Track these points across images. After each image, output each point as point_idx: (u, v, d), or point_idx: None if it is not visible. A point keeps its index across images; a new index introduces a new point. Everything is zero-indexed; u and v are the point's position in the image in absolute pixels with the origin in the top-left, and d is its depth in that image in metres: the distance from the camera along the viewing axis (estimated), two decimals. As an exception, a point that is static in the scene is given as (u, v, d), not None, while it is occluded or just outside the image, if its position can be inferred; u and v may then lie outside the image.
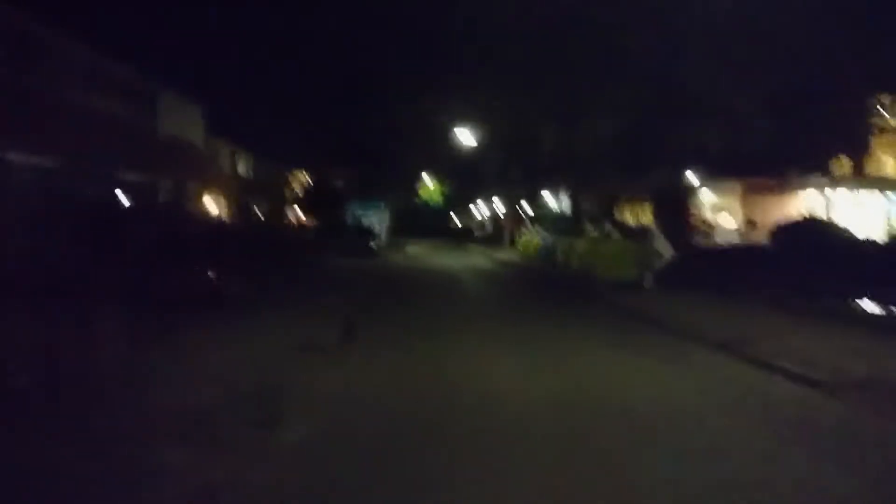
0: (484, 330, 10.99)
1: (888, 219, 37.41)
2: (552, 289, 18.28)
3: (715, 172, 32.29)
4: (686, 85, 22.75)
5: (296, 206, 56.92)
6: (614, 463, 4.81)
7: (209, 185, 30.59)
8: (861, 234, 31.37)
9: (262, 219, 40.37)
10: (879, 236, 33.23)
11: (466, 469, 4.69)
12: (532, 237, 29.23)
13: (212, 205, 31.48)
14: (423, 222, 66.87)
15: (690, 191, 26.20)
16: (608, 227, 20.05)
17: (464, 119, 35.01)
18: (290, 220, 49.41)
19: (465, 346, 9.45)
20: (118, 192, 18.72)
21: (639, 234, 20.11)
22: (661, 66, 23.37)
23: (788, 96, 25.29)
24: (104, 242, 13.19)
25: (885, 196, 38.01)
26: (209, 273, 15.95)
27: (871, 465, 4.82)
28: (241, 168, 40.53)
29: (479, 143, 37.25)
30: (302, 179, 58.71)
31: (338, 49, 38.39)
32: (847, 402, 6.39)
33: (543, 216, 42.84)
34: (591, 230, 20.79)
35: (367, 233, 32.48)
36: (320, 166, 55.56)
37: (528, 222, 33.62)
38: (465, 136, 35.97)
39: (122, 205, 18.55)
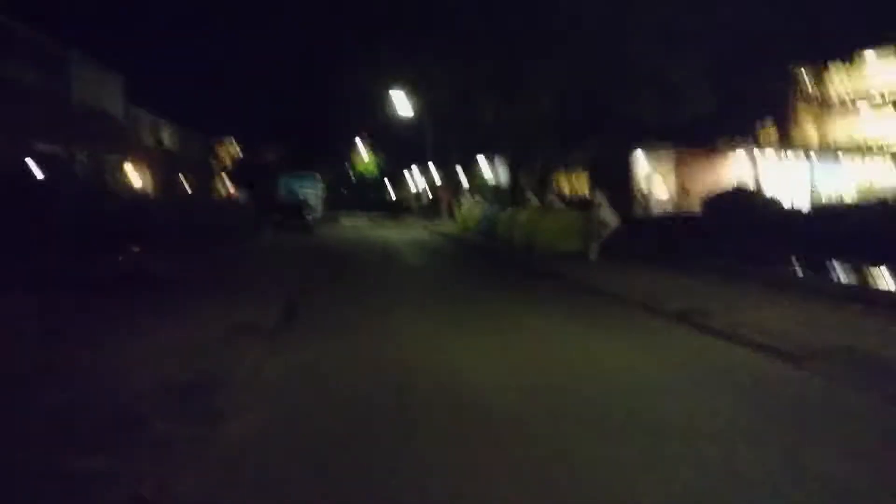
0: (431, 307, 10.48)
1: (812, 185, 38.80)
2: (497, 261, 17.90)
3: (649, 141, 32.56)
4: (624, 54, 22.52)
5: (225, 179, 54.89)
6: (590, 451, 4.37)
7: (131, 156, 28.85)
8: (786, 202, 32.47)
9: (189, 192, 38.63)
10: (804, 203, 34.46)
11: (425, 462, 4.19)
12: (471, 208, 28.81)
13: (134, 178, 29.74)
14: (358, 195, 65.81)
15: (628, 159, 26.21)
16: (551, 197, 19.77)
17: (400, 86, 34.17)
18: (219, 194, 47.59)
19: (413, 326, 8.90)
20: (29, 161, 17.28)
21: (582, 204, 19.94)
22: (600, 36, 23.08)
23: (719, 66, 25.44)
24: (13, 218, 12.04)
25: (809, 163, 39.41)
26: (133, 251, 14.89)
27: (862, 443, 4.55)
28: (166, 139, 38.56)
29: (415, 112, 36.50)
30: (232, 151, 56.64)
31: (268, 15, 36.64)
32: (819, 373, 6.16)
33: (482, 187, 42.51)
34: (533, 201, 20.47)
35: (302, 206, 31.39)
36: (251, 137, 53.69)
37: (466, 193, 33.18)
38: (402, 103, 35.12)
39: (35, 177, 17.13)
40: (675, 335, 8.13)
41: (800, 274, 13.75)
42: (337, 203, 55.87)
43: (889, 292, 11.65)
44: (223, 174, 54.38)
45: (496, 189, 41.25)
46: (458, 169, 46.19)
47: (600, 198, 15.80)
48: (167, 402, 5.21)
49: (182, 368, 6.19)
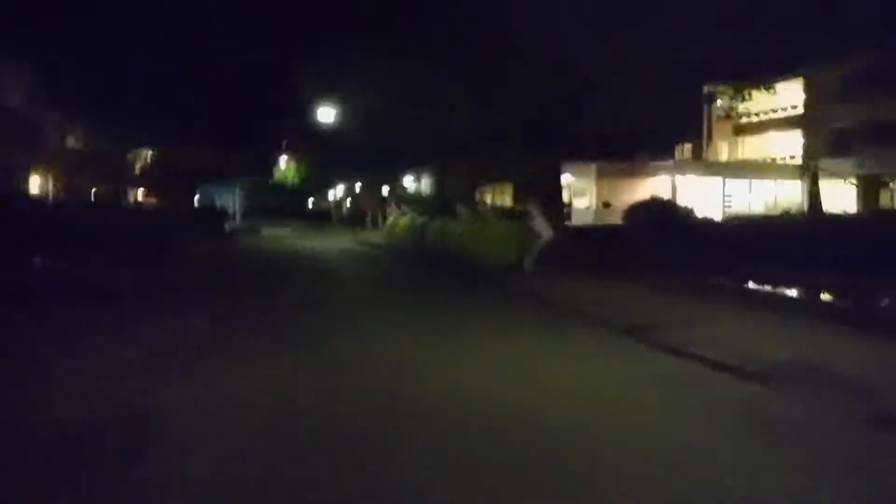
0: (366, 321, 9.82)
1: (724, 198, 40.37)
2: (430, 273, 17.42)
3: (572, 156, 33.02)
4: (554, 67, 22.58)
5: (139, 187, 52.35)
6: (551, 483, 3.94)
7: (32, 158, 26.89)
8: (701, 213, 33.61)
9: (98, 199, 36.47)
10: (717, 215, 35.75)
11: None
12: (399, 218, 28.24)
13: (35, 182, 27.75)
14: (278, 204, 64.04)
15: (557, 172, 26.28)
16: (483, 207, 19.48)
17: (326, 98, 33.39)
18: (132, 202, 45.28)
19: (347, 342, 8.25)
20: None
21: (514, 215, 19.77)
22: (528, 45, 23.10)
23: (642, 83, 25.91)
24: None
25: (722, 178, 41.01)
26: (35, 262, 13.65)
27: (853, 472, 4.30)
28: (73, 142, 36.33)
29: (341, 123, 35.76)
30: (147, 157, 54.15)
31: (192, 15, 34.88)
32: (784, 392, 5.95)
33: (409, 197, 42.07)
34: (463, 211, 20.14)
35: (221, 215, 30.05)
36: (169, 144, 51.42)
37: (394, 203, 32.60)
38: (326, 110, 34.31)
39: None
40: (623, 349, 7.85)
41: (734, 284, 13.91)
42: (257, 212, 54.17)
43: (831, 303, 11.88)
44: (138, 183, 51.87)
45: (424, 199, 40.92)
46: (383, 179, 45.69)
47: (534, 209, 15.61)
48: (74, 442, 4.46)
49: (92, 398, 5.41)
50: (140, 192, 51.56)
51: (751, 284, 13.78)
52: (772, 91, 36.72)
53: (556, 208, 18.73)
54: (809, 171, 37.57)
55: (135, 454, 4.29)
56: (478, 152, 32.48)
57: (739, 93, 38.59)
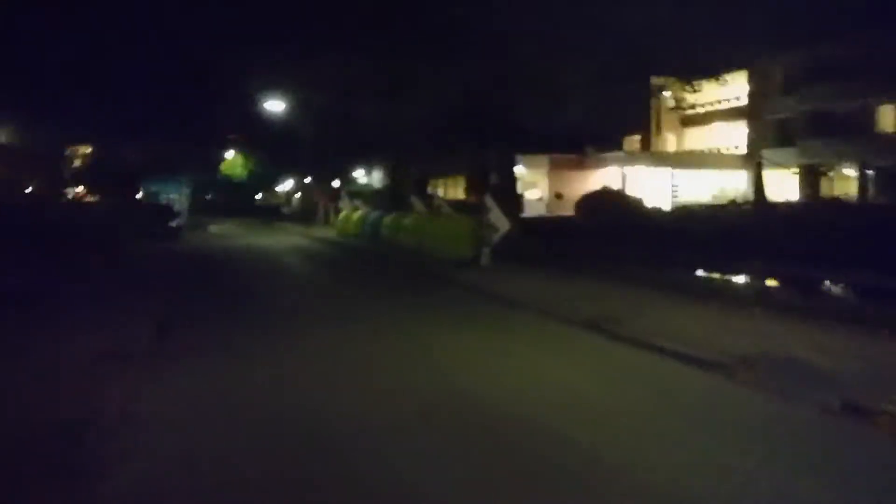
0: (321, 321, 9.44)
1: (673, 189, 41.06)
2: (385, 268, 17.11)
3: (524, 148, 33.04)
4: (507, 60, 22.49)
5: (78, 185, 50.45)
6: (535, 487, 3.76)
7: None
8: (650, 203, 34.12)
9: (34, 197, 34.94)
10: (665, 205, 36.36)
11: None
12: (351, 213, 27.85)
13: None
14: (226, 199, 62.68)
15: (511, 164, 26.20)
16: (438, 200, 19.25)
17: (274, 88, 32.55)
18: (69, 199, 43.56)
19: (302, 343, 7.92)
20: None
21: (469, 208, 19.60)
22: (482, 41, 22.92)
23: (590, 76, 26.03)
24: None
25: (670, 169, 41.70)
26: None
27: (830, 464, 4.24)
28: (4, 138, 34.68)
29: (289, 116, 34.98)
30: (85, 152, 52.14)
31: (133, 6, 33.39)
32: (750, 385, 5.91)
33: (361, 192, 41.52)
34: (418, 205, 19.91)
35: (166, 212, 29.05)
36: (109, 139, 49.54)
37: (346, 197, 32.12)
38: (276, 106, 33.49)
39: None
40: (591, 345, 7.74)
41: (687, 275, 14.03)
42: (204, 208, 52.81)
43: (784, 293, 12.04)
44: (76, 180, 49.96)
45: (376, 193, 40.44)
46: (334, 173, 44.96)
47: (490, 202, 15.43)
48: (20, 453, 4.10)
49: (33, 410, 5.01)
50: (79, 189, 49.68)
51: (703, 275, 13.93)
52: (718, 83, 37.48)
53: (510, 200, 18.60)
54: (754, 161, 38.54)
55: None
56: (428, 145, 32.23)
57: (686, 85, 39.37)
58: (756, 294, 10.60)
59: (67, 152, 49.99)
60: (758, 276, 13.86)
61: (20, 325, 8.44)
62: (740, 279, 13.95)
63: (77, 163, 52.00)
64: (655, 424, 4.98)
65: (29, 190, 37.50)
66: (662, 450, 4.44)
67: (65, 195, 44.61)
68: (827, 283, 13.25)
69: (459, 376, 6.40)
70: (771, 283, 13.18)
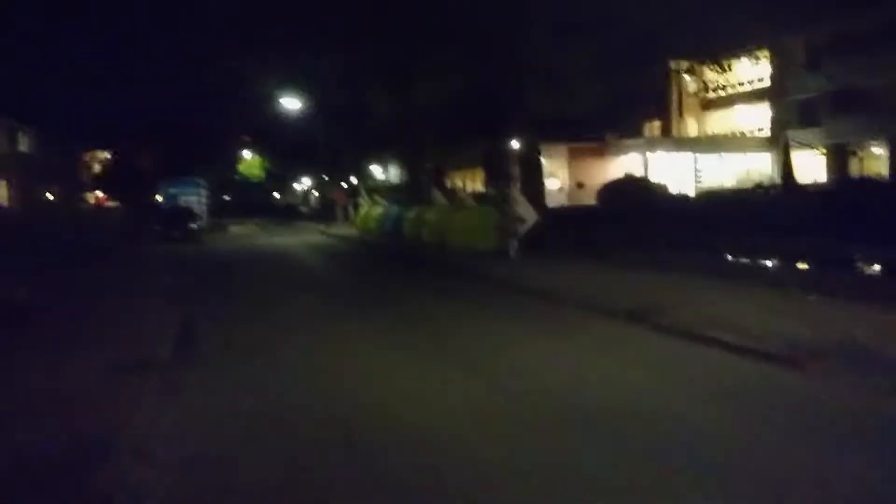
0: (358, 324, 9.00)
1: (696, 174, 40.25)
2: (411, 264, 16.66)
3: (543, 137, 32.46)
4: (520, 48, 22.00)
5: (97, 189, 50.60)
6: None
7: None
8: (674, 189, 33.43)
9: (52, 203, 34.98)
10: (690, 190, 35.63)
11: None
12: (371, 209, 27.49)
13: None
14: (243, 200, 62.72)
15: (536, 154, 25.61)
16: (460, 193, 18.81)
17: (288, 88, 32.29)
18: (90, 205, 43.67)
19: (338, 348, 7.52)
20: None
21: (491, 200, 19.16)
22: (494, 31, 22.45)
23: (607, 62, 25.50)
24: None
25: (692, 154, 40.89)
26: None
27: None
28: (24, 147, 34.72)
29: (305, 114, 34.70)
30: (102, 158, 52.29)
31: (144, 11, 33.28)
32: (826, 379, 5.42)
33: (379, 187, 41.17)
34: (440, 198, 19.48)
35: (187, 214, 28.86)
36: (126, 144, 49.63)
37: (364, 193, 31.77)
38: (291, 104, 33.21)
39: None
40: (640, 339, 7.27)
41: (724, 260, 13.49)
42: (222, 210, 52.86)
43: (829, 276, 11.47)
44: (95, 185, 50.13)
45: (394, 188, 40.02)
46: (351, 169, 44.62)
47: (516, 193, 14.97)
48: (25, 488, 3.74)
49: (48, 432, 4.66)
50: (99, 194, 49.82)
51: (740, 260, 13.37)
52: (739, 63, 36.66)
53: (535, 191, 18.12)
54: (779, 143, 37.64)
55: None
56: (444, 137, 31.81)
57: (707, 66, 38.55)
58: (801, 278, 10.04)
59: (86, 158, 50.12)
60: (795, 258, 13.30)
61: (42, 335, 8.15)
62: (778, 263, 13.37)
63: (96, 168, 52.15)
64: (738, 430, 4.50)
65: (49, 197, 37.57)
66: (758, 462, 3.97)
67: (85, 201, 44.72)
68: (865, 263, 12.65)
69: (511, 380, 5.98)
70: (809, 265, 12.58)
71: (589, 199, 34.04)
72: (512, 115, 24.33)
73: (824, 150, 37.20)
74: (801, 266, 12.70)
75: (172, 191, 35.07)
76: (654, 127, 46.40)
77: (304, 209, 55.07)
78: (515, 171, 22.38)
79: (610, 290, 9.93)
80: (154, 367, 6.41)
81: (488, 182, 41.42)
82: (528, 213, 14.76)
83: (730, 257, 14.13)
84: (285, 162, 56.97)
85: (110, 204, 46.36)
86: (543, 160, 38.02)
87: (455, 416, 4.94)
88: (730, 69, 37.50)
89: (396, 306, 10.24)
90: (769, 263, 13.35)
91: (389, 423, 4.83)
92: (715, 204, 26.96)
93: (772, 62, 39.93)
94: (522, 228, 14.76)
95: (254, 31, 28.81)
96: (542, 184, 20.26)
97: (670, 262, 12.80)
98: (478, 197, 23.01)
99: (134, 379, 5.93)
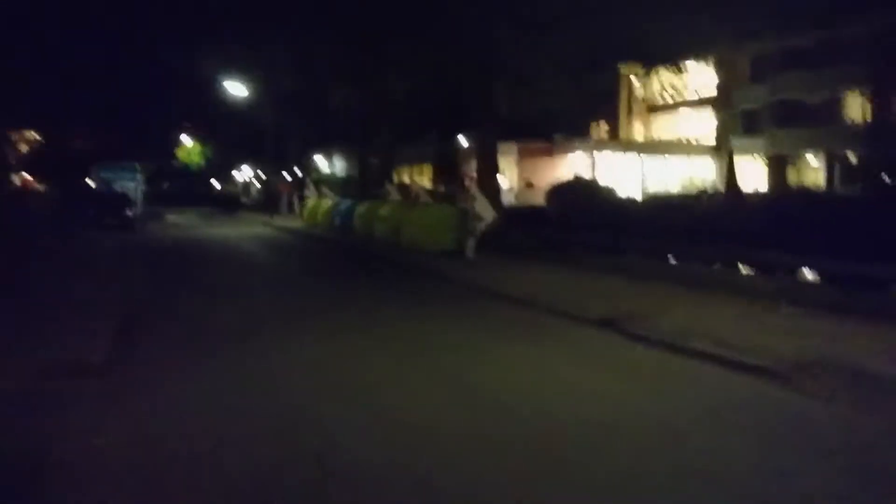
0: (304, 326, 8.32)
1: (642, 179, 40.76)
2: (365, 262, 15.93)
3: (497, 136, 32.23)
4: (475, 48, 21.64)
5: (24, 172, 47.94)
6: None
7: None
8: (621, 193, 33.71)
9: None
10: (636, 194, 36.00)
11: None
12: (319, 202, 26.67)
13: None
14: (182, 188, 60.62)
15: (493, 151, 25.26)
16: (416, 188, 18.28)
17: (235, 73, 31.08)
18: (15, 188, 41.24)
19: (288, 353, 6.81)
20: None
21: (443, 197, 18.74)
22: (451, 28, 21.99)
23: (562, 64, 25.34)
24: None
25: (639, 158, 41.41)
26: None
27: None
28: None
29: (252, 101, 33.52)
30: (30, 138, 49.52)
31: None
32: (810, 394, 5.18)
33: (326, 179, 40.21)
34: (394, 193, 18.91)
35: (122, 201, 27.38)
36: (57, 124, 47.07)
37: (311, 185, 30.85)
38: (237, 90, 32.01)
39: None
40: (616, 348, 6.93)
41: (683, 267, 13.40)
42: (159, 198, 50.85)
43: (808, 286, 11.49)
44: (21, 167, 47.47)
45: (343, 181, 39.15)
46: (297, 160, 43.52)
47: (475, 190, 14.57)
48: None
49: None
50: (26, 176, 47.22)
51: (695, 268, 13.31)
52: (684, 72, 37.28)
53: (492, 189, 17.76)
54: (723, 151, 38.44)
55: None
56: (395, 132, 31.23)
57: (654, 73, 39.04)
58: (775, 287, 9.94)
59: (13, 137, 47.37)
60: (753, 268, 13.33)
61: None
62: (735, 272, 13.37)
63: (23, 148, 49.37)
64: (740, 452, 4.16)
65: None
66: (764, 487, 3.63)
67: (11, 183, 42.26)
68: (819, 275, 12.75)
69: (483, 391, 5.52)
70: (765, 275, 12.59)
71: (537, 198, 33.98)
72: (472, 112, 23.96)
73: (764, 159, 38.19)
74: (758, 275, 12.72)
75: (106, 175, 33.28)
76: (601, 129, 46.88)
77: (245, 199, 53.53)
78: (473, 168, 22.02)
79: (577, 293, 9.62)
80: (90, 371, 5.70)
81: (437, 179, 41.02)
82: (487, 212, 14.37)
83: (684, 264, 14.09)
84: (227, 150, 55.31)
85: (38, 187, 43.94)
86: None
87: (419, 440, 4.44)
88: (678, 75, 38.25)
89: (352, 308, 9.63)
90: (726, 272, 13.34)
91: (342, 444, 4.30)
92: (663, 209, 27.20)
93: (718, 72, 40.83)
94: (480, 227, 14.37)
95: (202, 11, 27.59)
96: (497, 182, 19.95)
97: (628, 266, 12.64)
98: (432, 193, 22.52)
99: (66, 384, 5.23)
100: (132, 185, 32.97)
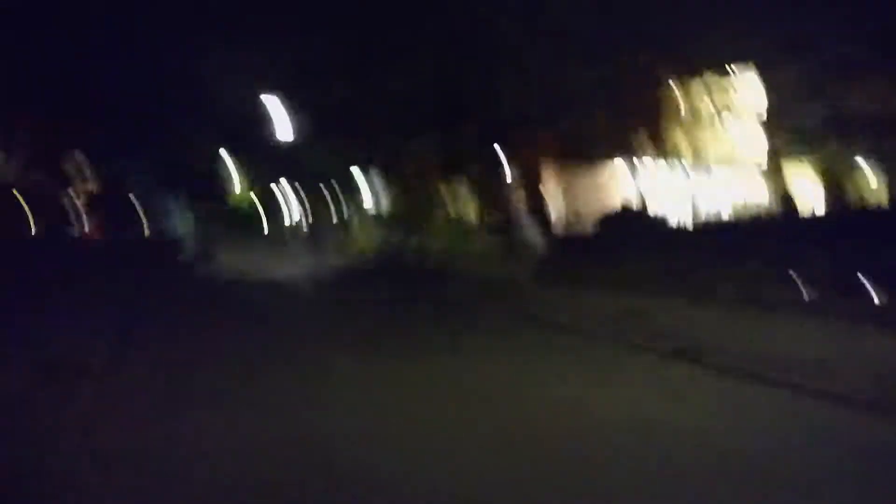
0: (373, 361, 7.99)
1: (692, 201, 39.77)
2: (420, 294, 15.08)
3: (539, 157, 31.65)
4: (510, 58, 21.12)
5: (83, 220, 49.37)
6: None
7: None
8: (671, 218, 32.78)
9: (37, 235, 33.71)
10: (686, 219, 35.00)
11: None
12: (366, 231, 26.53)
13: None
14: (236, 228, 61.43)
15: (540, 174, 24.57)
16: (462, 217, 17.97)
17: (272, 90, 30.65)
18: (76, 237, 42.23)
19: (353, 393, 6.39)
20: None
21: (500, 226, 18.47)
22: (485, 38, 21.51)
23: (598, 75, 24.83)
24: None
25: (687, 178, 40.44)
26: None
27: None
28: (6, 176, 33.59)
29: (292, 124, 33.24)
30: (89, 189, 51.00)
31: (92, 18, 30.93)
32: None
33: (370, 211, 40.19)
34: (443, 223, 18.67)
35: (176, 245, 27.34)
36: (112, 169, 48.31)
37: (357, 216, 30.69)
38: (276, 110, 31.70)
39: None
40: (705, 383, 6.45)
41: (755, 289, 12.75)
42: (214, 238, 51.50)
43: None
44: (82, 211, 48.83)
45: (391, 212, 38.94)
46: (340, 185, 43.33)
47: (526, 219, 14.22)
48: None
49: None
50: (85, 226, 48.54)
51: (779, 289, 12.58)
52: (734, 84, 36.40)
53: (542, 217, 17.33)
54: (776, 167, 37.31)
55: None
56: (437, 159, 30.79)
57: (703, 86, 38.20)
58: (863, 309, 9.31)
59: (70, 188, 48.95)
60: (827, 287, 12.57)
61: None
62: (812, 295, 12.60)
63: (81, 199, 50.90)
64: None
65: (33, 230, 36.36)
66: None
67: (71, 233, 43.44)
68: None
69: (564, 439, 5.12)
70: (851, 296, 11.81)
71: (583, 224, 33.20)
72: (513, 135, 23.42)
73: (822, 176, 36.85)
74: (861, 296, 11.91)
75: (160, 220, 33.93)
76: (644, 146, 45.93)
77: (294, 239, 53.94)
78: (518, 196, 21.63)
79: (643, 324, 9.12)
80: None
81: (483, 207, 40.61)
82: (536, 240, 13.99)
83: (745, 287, 13.34)
84: (265, 178, 55.63)
85: (95, 234, 45.09)
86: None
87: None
88: (726, 88, 37.37)
89: (411, 341, 9.30)
90: (793, 292, 12.60)
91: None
92: (717, 231, 26.30)
93: (770, 83, 39.64)
94: (532, 255, 13.99)
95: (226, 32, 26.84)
96: (547, 209, 19.47)
97: (697, 291, 12.05)
98: (482, 222, 22.13)
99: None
100: (186, 226, 33.53)
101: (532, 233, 14.03)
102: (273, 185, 57.68)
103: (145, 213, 35.43)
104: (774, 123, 39.77)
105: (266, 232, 60.01)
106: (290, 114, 31.96)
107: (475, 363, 7.72)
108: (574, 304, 11.53)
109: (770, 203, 35.94)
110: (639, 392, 6.25)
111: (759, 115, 40.90)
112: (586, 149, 37.30)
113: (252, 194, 60.49)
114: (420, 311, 13.12)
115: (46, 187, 39.40)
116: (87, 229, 46.61)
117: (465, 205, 40.31)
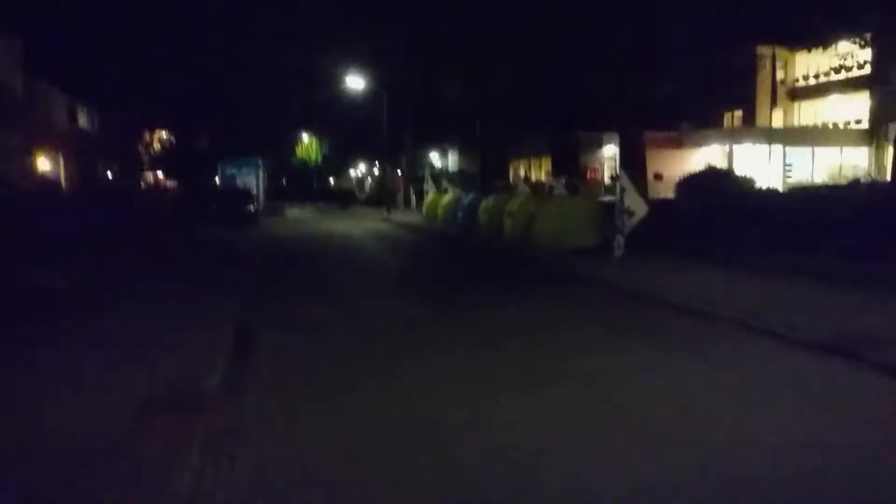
0: (444, 338, 7.13)
1: (784, 168, 37.08)
2: (497, 262, 14.07)
3: (612, 124, 30.17)
4: (589, 36, 19.99)
5: (156, 170, 50.16)
6: None
7: (36, 140, 24.50)
8: (759, 183, 30.45)
9: (112, 183, 34.21)
10: (777, 185, 32.60)
11: None
12: (438, 196, 25.57)
13: (42, 166, 25.50)
14: (300, 183, 61.95)
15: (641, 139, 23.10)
16: (554, 181, 16.67)
17: (353, 67, 30.83)
18: (148, 185, 42.97)
19: (439, 379, 5.52)
20: None
21: (573, 189, 17.10)
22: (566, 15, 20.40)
23: (689, 47, 23.16)
24: None
25: (779, 146, 37.69)
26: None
27: None
28: (83, 122, 33.98)
29: (369, 95, 33.18)
30: (163, 138, 51.80)
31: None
32: None
33: (445, 173, 39.33)
34: (524, 186, 17.42)
35: (244, 196, 27.49)
36: (183, 122, 48.96)
37: (430, 179, 29.81)
38: (356, 84, 31.65)
39: None
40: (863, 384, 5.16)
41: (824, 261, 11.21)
42: (278, 193, 51.83)
43: None
44: (152, 165, 49.68)
45: (461, 175, 37.99)
46: (413, 155, 42.90)
47: (626, 182, 12.76)
48: None
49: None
50: (157, 174, 49.34)
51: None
52: (834, 49, 33.33)
53: (640, 182, 15.81)
54: (881, 136, 34.28)
55: None
56: (512, 124, 29.80)
57: (796, 53, 35.34)
58: None
59: (147, 138, 49.68)
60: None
61: (61, 338, 6.46)
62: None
63: (156, 147, 51.69)
64: None
65: (108, 176, 36.92)
66: None
67: (144, 181, 44.15)
68: None
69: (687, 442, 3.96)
70: None
71: (666, 192, 31.47)
72: (608, 103, 22.18)
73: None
74: None
75: (230, 171, 33.87)
76: (734, 117, 43.21)
77: (360, 195, 53.65)
78: (596, 160, 20.14)
79: (772, 304, 7.78)
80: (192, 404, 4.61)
81: (556, 172, 39.06)
82: (639, 206, 12.59)
83: (857, 263, 11.73)
84: (343, 146, 55.72)
85: (168, 184, 45.70)
86: (615, 149, 35.76)
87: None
88: (825, 56, 34.38)
89: (493, 313, 8.26)
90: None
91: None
92: (814, 201, 24.16)
93: (874, 49, 36.34)
94: (631, 222, 12.59)
95: (319, 7, 27.45)
96: (645, 176, 18.04)
97: (800, 266, 10.56)
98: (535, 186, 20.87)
99: (162, 429, 4.13)
100: (254, 180, 33.36)
101: (632, 197, 12.59)
102: (349, 158, 57.99)
103: (217, 166, 35.39)
104: (879, 89, 36.53)
105: (332, 188, 59.98)
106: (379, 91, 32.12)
107: (607, 362, 6.55)
108: (669, 277, 10.16)
109: (868, 173, 33.19)
110: (772, 387, 5.00)
111: (861, 80, 37.68)
112: (673, 117, 35.41)
113: (319, 152, 60.50)
114: (504, 279, 12.04)
115: (124, 138, 39.94)
116: (159, 180, 47.36)
117: (539, 172, 39.03)
